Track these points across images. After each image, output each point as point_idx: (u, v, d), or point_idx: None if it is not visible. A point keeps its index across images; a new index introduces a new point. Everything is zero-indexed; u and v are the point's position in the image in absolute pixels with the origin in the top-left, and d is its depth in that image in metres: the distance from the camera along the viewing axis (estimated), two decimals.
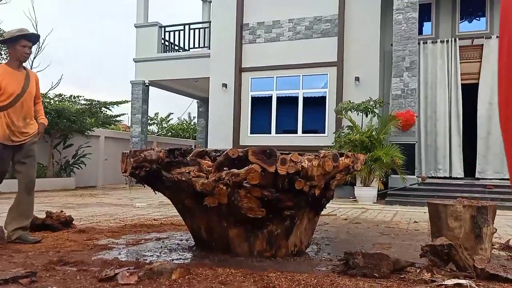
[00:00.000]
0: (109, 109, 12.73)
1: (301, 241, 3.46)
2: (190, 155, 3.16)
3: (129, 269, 2.67)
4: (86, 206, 7.13)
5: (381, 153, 8.49)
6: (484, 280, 2.77)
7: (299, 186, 2.99)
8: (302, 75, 11.71)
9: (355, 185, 9.22)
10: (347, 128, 9.84)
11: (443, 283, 2.53)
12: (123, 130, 17.23)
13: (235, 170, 2.93)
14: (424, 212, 7.18)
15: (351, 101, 9.77)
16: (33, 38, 3.60)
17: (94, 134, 13.46)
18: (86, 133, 12.63)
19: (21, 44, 3.49)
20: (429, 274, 2.79)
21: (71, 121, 11.50)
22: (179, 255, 3.37)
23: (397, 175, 9.03)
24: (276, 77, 11.98)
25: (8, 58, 3.51)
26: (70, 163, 12.20)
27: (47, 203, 7.46)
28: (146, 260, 3.13)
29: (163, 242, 3.92)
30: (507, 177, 10.40)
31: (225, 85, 12.18)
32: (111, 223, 5.20)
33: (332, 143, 9.92)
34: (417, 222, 5.92)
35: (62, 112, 11.05)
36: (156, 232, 4.44)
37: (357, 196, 8.98)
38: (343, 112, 9.65)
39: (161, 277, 2.56)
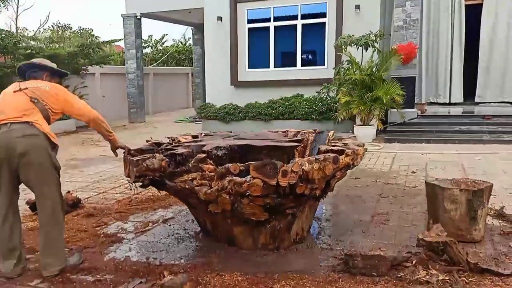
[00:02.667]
0: (102, 50, 12.29)
1: (302, 228, 3.58)
2: (192, 161, 3.15)
3: (141, 283, 2.82)
4: (90, 163, 7.24)
5: (381, 93, 8.39)
6: (477, 274, 2.93)
7: (300, 190, 3.03)
8: (300, 4, 11.12)
9: (355, 123, 9.25)
10: (347, 63, 9.60)
11: None
12: (118, 55, 16.56)
13: (238, 179, 2.95)
14: (422, 154, 7.34)
15: (351, 35, 9.41)
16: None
17: (89, 72, 13.17)
18: (80, 73, 12.37)
19: (57, 80, 3.35)
20: (425, 272, 2.94)
21: (64, 64, 11.20)
22: (187, 248, 3.53)
23: (396, 109, 9.01)
24: (273, 7, 11.39)
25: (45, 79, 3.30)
26: None
27: None
28: (156, 259, 3.28)
29: (170, 226, 4.06)
30: (506, 100, 10.41)
31: (220, 18, 11.63)
32: (117, 193, 5.34)
33: (332, 79, 9.75)
34: (414, 172, 6.05)
35: (55, 57, 10.72)
36: (163, 209, 4.57)
37: (356, 135, 8.95)
38: (343, 47, 9.34)
39: None
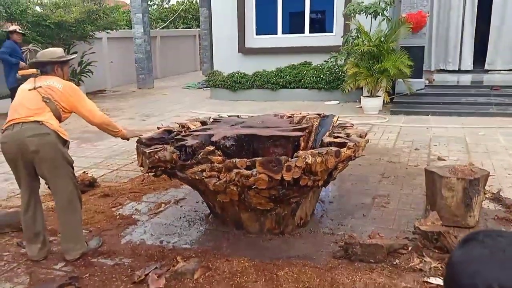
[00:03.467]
0: (108, 15, 12.21)
1: (306, 213, 3.79)
2: (202, 153, 3.32)
3: (156, 268, 3.08)
4: (102, 136, 7.40)
5: (389, 65, 8.36)
6: None
7: (304, 183, 3.21)
8: None
9: (362, 95, 9.29)
10: (355, 32, 9.52)
11: (428, 280, 2.91)
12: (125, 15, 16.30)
13: (245, 172, 3.12)
14: (426, 128, 7.43)
15: (360, 2, 9.26)
16: None
17: (96, 37, 13.15)
18: (88, 39, 12.37)
19: (68, 66, 3.44)
20: (419, 259, 3.16)
21: (71, 31, 11.20)
22: (198, 231, 3.77)
23: (403, 80, 9.01)
24: None
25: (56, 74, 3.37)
26: (77, 71, 12.22)
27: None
28: (169, 243, 3.54)
29: (181, 207, 4.29)
30: None
31: None
32: (130, 170, 5.57)
33: (341, 47, 9.71)
34: (417, 149, 6.17)
35: (62, 24, 10.71)
36: (174, 189, 4.79)
37: (363, 106, 9.11)
38: (352, 15, 9.23)
39: (185, 277, 2.97)
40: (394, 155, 5.95)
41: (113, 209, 4.27)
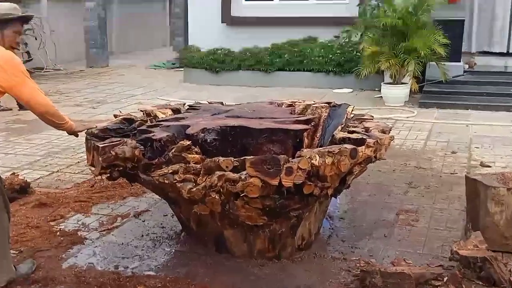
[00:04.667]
0: None
1: (309, 231, 3.77)
2: (173, 150, 3.27)
3: None
4: (40, 127, 7.31)
5: (418, 43, 8.41)
6: None
7: (309, 190, 3.17)
8: None
9: (383, 81, 9.32)
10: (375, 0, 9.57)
11: None
12: None
13: (230, 175, 3.08)
14: (466, 125, 7.49)
15: None
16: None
17: None
18: (22, 1, 12.19)
19: (15, 29, 3.31)
20: None
21: None
22: (165, 253, 3.72)
23: (436, 64, 9.06)
24: None
25: None
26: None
27: None
28: (127, 268, 3.48)
29: (143, 222, 4.24)
30: None
31: None
32: (75, 173, 5.50)
33: (356, 19, 9.73)
34: (455, 153, 6.20)
35: None
36: (133, 198, 4.74)
37: (383, 96, 9.14)
38: None
39: None
40: (424, 160, 5.96)
41: (52, 223, 4.20)
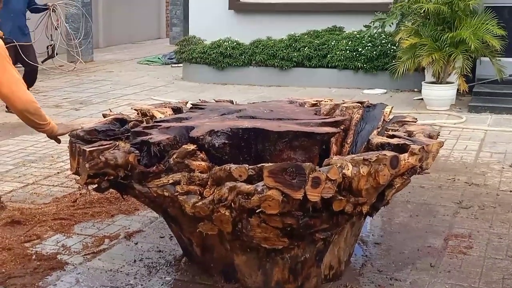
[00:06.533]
0: None
1: (339, 259, 3.72)
2: (175, 156, 3.24)
3: None
4: (13, 131, 7.36)
5: (467, 33, 8.38)
6: None
7: (339, 207, 3.13)
8: None
9: (423, 80, 9.29)
10: None
11: None
12: None
13: (244, 187, 3.04)
14: None
15: None
16: None
17: None
18: None
19: None
20: None
21: None
22: (163, 283, 3.69)
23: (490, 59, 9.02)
24: None
25: None
26: None
27: None
28: None
29: (136, 245, 4.22)
30: None
31: None
32: (54, 185, 5.49)
33: (390, 6, 9.74)
34: None
35: None
36: (124, 216, 4.73)
37: (425, 98, 9.12)
38: None
39: None
40: (476, 174, 5.92)
41: (27, 244, 4.18)
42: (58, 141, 3.56)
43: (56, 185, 5.53)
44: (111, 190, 4.27)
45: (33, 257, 3.98)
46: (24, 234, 4.34)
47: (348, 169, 3.11)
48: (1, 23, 8.62)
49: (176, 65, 13.06)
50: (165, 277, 3.78)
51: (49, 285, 3.63)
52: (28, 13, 9.82)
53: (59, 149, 6.38)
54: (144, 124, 3.86)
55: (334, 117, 4.19)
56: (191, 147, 3.32)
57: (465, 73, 8.96)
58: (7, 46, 7.71)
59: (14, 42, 8.58)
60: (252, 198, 3.00)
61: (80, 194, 5.13)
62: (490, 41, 8.49)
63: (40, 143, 6.82)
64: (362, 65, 10.42)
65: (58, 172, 5.88)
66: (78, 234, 4.42)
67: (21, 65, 8.87)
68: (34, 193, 5.31)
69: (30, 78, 8.83)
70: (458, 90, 9.01)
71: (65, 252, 4.10)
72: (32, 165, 6.16)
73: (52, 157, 6.36)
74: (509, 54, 9.24)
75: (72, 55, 14.06)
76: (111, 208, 4.86)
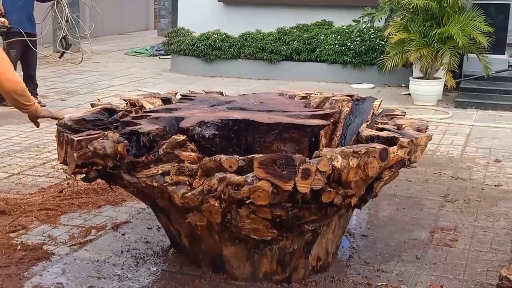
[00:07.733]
0: None
1: (327, 251, 3.73)
2: (164, 146, 3.23)
3: None
4: None
5: (455, 30, 8.40)
6: None
7: (328, 199, 3.14)
8: None
9: (411, 76, 9.32)
10: None
11: None
12: None
13: (234, 178, 3.04)
14: None
15: None
16: None
17: None
18: None
19: None
20: None
21: None
22: (150, 274, 3.69)
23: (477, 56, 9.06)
24: None
25: None
26: None
27: None
28: None
29: (123, 236, 4.21)
30: None
31: None
32: (40, 176, 5.46)
33: (379, 1, 9.75)
34: (499, 161, 6.20)
35: None
36: (111, 207, 4.73)
37: (412, 93, 9.15)
38: None
39: None
40: (462, 169, 5.97)
41: (12, 234, 4.16)
42: (37, 125, 3.60)
43: (41, 176, 5.49)
44: (98, 180, 4.28)
45: (19, 247, 3.97)
46: (9, 224, 4.32)
47: (338, 161, 3.13)
48: (9, 12, 8.70)
49: (164, 56, 13.01)
50: (152, 268, 3.77)
51: (34, 275, 3.61)
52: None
53: (45, 140, 6.36)
54: (133, 114, 3.85)
55: (324, 110, 4.20)
56: (181, 137, 3.30)
57: (452, 69, 9.01)
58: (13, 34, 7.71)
59: (21, 31, 8.58)
60: (242, 189, 3.00)
61: (68, 184, 5.11)
62: (478, 37, 8.54)
63: (25, 133, 6.77)
64: (350, 60, 10.43)
65: (43, 163, 5.85)
66: (64, 224, 4.40)
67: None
68: (20, 183, 5.28)
69: (31, 68, 9.13)
70: (445, 85, 9.06)
71: (51, 242, 4.08)
72: (17, 155, 6.11)
73: (38, 147, 6.31)
74: (496, 51, 9.31)
75: (60, 44, 13.92)
76: (98, 199, 4.85)
